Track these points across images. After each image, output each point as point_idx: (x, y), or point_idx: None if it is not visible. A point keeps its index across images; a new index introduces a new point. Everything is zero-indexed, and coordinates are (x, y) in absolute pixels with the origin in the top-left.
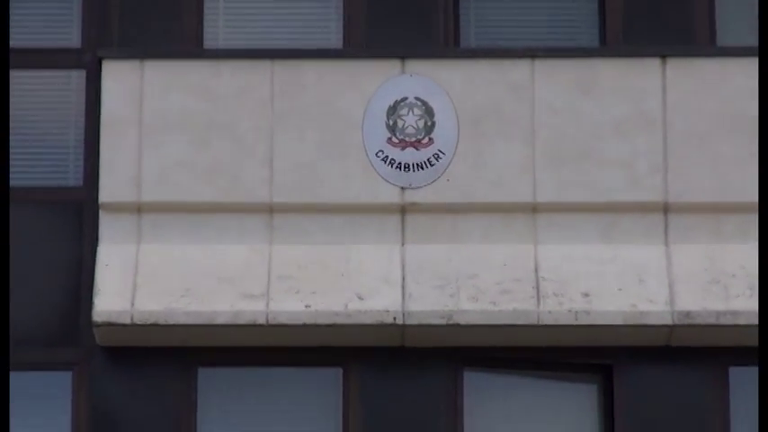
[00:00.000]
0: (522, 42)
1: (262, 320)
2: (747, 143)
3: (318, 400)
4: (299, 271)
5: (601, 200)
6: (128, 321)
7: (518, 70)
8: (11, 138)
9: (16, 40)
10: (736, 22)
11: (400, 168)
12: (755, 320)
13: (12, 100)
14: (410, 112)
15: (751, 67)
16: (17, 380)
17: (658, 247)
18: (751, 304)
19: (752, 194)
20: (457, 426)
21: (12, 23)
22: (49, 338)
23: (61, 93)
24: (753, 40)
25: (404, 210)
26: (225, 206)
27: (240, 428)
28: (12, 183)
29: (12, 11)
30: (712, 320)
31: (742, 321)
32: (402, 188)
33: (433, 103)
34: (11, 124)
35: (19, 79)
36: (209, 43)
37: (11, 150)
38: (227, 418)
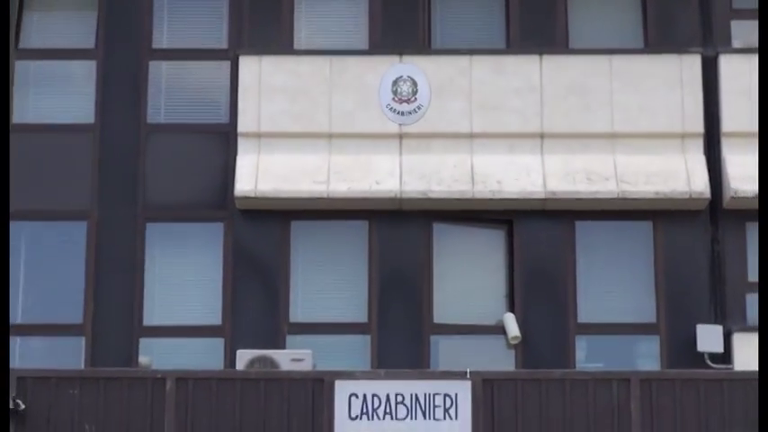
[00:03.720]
0: (466, 44)
1: (325, 195)
2: (580, 102)
3: (356, 239)
4: (344, 169)
5: (507, 131)
6: (253, 195)
7: (463, 60)
8: (190, 94)
9: (189, 43)
10: (582, 33)
11: (399, 114)
12: (591, 196)
13: (188, 80)
14: (404, 84)
15: (588, 59)
16: (194, 228)
17: (538, 156)
18: (587, 187)
19: (592, 127)
20: (430, 255)
21: (185, 33)
22: (212, 204)
23: (217, 75)
24: (591, 43)
25: (401, 137)
26: (304, 134)
27: (313, 253)
28: (188, 122)
29: (186, 26)
30: (566, 196)
31: (583, 197)
32: (400, 125)
33: (417, 79)
34: (192, 94)
35: (192, 67)
36: (296, 46)
37: (189, 103)
38: (306, 247)
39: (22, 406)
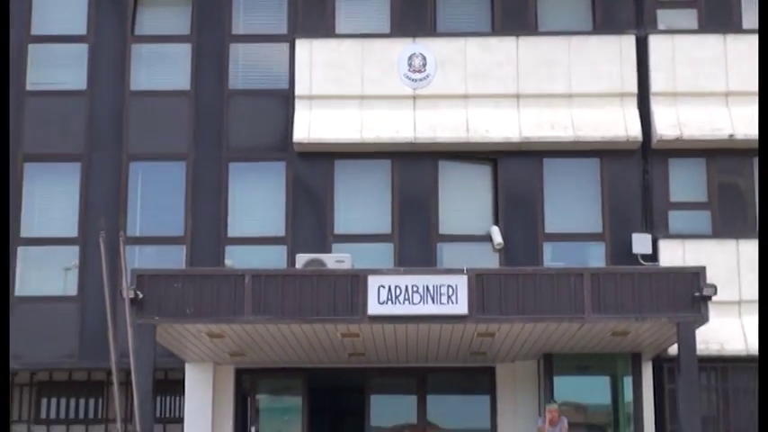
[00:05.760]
0: (462, 29)
1: (359, 141)
2: (546, 71)
3: (381, 173)
4: (373, 122)
5: (492, 92)
6: (306, 141)
7: (460, 41)
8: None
9: (259, 30)
10: (547, 20)
11: (413, 81)
12: (555, 140)
13: (258, 57)
14: (416, 58)
15: (552, 39)
16: (263, 166)
17: (515, 111)
18: (552, 133)
19: (555, 89)
20: (436, 184)
21: (256, 22)
22: (277, 148)
23: (279, 53)
24: (554, 27)
25: (414, 98)
26: (343, 96)
27: (350, 184)
28: (258, 88)
29: (257, 17)
30: (536, 140)
31: (548, 141)
32: (414, 89)
33: (426, 54)
34: (261, 67)
35: (261, 48)
36: (337, 31)
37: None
38: (346, 179)
39: (140, 296)
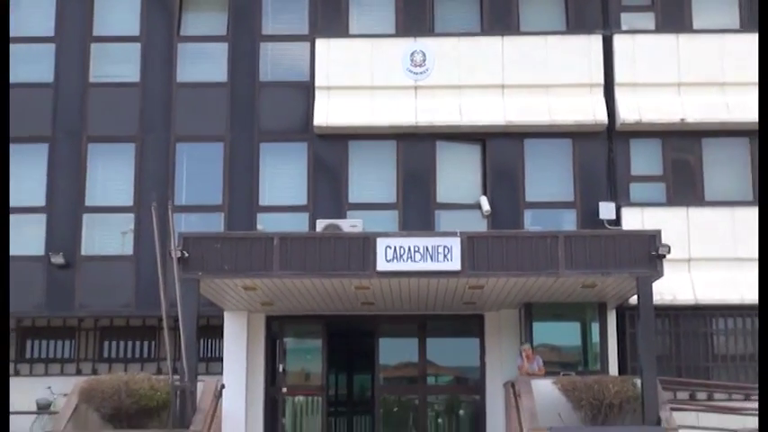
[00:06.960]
0: (455, 29)
1: (369, 124)
2: (527, 64)
3: (389, 151)
4: (381, 109)
5: (481, 83)
6: (325, 125)
7: (453, 40)
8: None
9: (284, 31)
10: (528, 21)
11: (414, 74)
12: (534, 124)
13: (285, 54)
14: (417, 55)
15: (532, 38)
16: (289, 146)
17: (500, 99)
18: (531, 118)
19: (534, 80)
20: (434, 161)
21: (282, 24)
22: (300, 130)
23: (302, 50)
24: (534, 28)
25: (416, 88)
26: (356, 87)
27: (362, 161)
28: (285, 79)
29: (282, 20)
30: (519, 123)
31: (529, 124)
32: (415, 81)
33: (426, 51)
34: (287, 62)
35: (286, 46)
36: (351, 32)
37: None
38: (358, 157)
39: (186, 255)
